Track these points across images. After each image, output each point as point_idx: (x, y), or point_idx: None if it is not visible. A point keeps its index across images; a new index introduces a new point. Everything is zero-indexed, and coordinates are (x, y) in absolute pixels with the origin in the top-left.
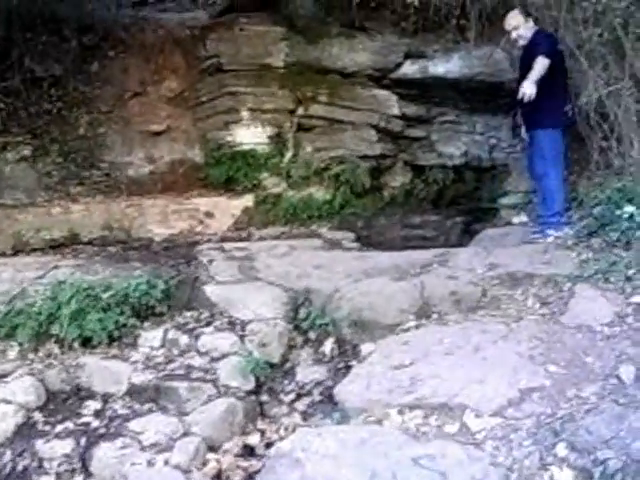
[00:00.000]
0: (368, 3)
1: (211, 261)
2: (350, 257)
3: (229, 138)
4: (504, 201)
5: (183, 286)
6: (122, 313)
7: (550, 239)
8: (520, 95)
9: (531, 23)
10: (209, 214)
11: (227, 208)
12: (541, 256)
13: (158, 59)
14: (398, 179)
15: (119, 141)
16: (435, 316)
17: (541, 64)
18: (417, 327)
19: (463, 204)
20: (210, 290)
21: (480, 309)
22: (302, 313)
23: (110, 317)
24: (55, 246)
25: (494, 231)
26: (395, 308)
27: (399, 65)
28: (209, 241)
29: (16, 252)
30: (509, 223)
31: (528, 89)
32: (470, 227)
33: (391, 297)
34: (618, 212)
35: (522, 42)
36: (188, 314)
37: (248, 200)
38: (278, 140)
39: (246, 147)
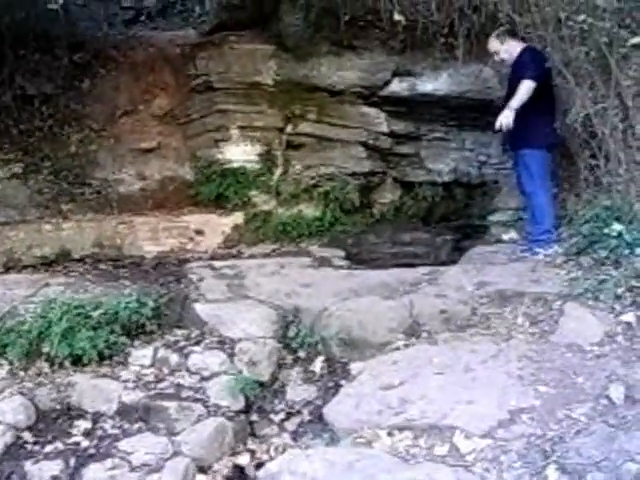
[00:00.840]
0: (356, 22)
1: (201, 279)
2: (339, 275)
3: (219, 156)
4: (494, 218)
5: (173, 304)
6: (112, 331)
7: (540, 257)
8: (497, 125)
9: (514, 42)
10: (199, 231)
11: (217, 225)
12: (530, 274)
13: (148, 77)
14: (387, 196)
15: (110, 158)
16: (424, 335)
17: (525, 89)
18: (406, 346)
19: (453, 221)
20: (200, 308)
21: (470, 328)
22: (292, 332)
23: (100, 335)
24: (46, 263)
25: (484, 248)
26: (384, 327)
27: (387, 83)
28: (199, 259)
29: (7, 269)
30: (499, 240)
31: (504, 119)
32: (460, 244)
33: (380, 316)
34: (607, 230)
35: (509, 62)
36: (178, 332)
37: (238, 217)
38: (267, 158)
39: (236, 165)
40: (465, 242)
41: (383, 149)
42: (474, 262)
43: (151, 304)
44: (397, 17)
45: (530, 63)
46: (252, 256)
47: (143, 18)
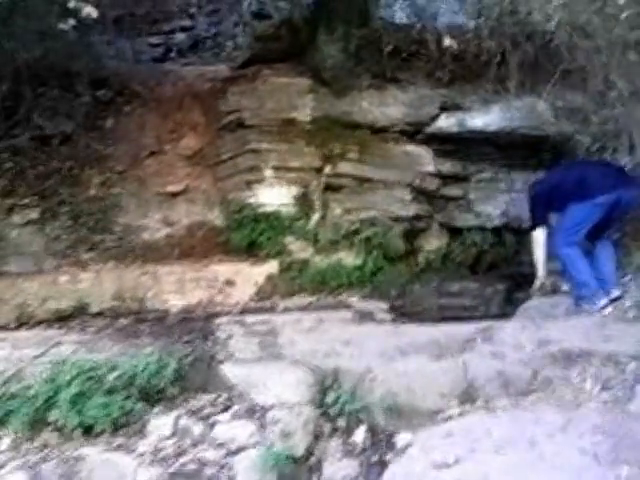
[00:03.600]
0: (400, 52)
1: (230, 336)
2: (383, 331)
3: (252, 199)
4: (549, 266)
5: (198, 365)
6: (129, 397)
7: (606, 311)
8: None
9: None
10: (230, 282)
11: (249, 276)
12: (598, 330)
13: (176, 115)
14: (434, 242)
15: (133, 203)
16: (480, 402)
17: (536, 248)
18: (461, 415)
19: (504, 269)
20: (228, 370)
21: (531, 393)
22: (330, 397)
23: (115, 402)
24: (62, 318)
25: (541, 300)
26: (435, 392)
27: (434, 118)
28: (229, 312)
29: (20, 325)
30: (556, 291)
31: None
32: (512, 295)
33: (430, 379)
34: None
35: None
36: (203, 397)
37: (272, 267)
38: (304, 201)
39: (270, 209)
40: (518, 293)
41: (429, 191)
42: (532, 316)
43: (173, 365)
44: (447, 42)
45: (530, 209)
46: (287, 309)
47: (173, 55)
